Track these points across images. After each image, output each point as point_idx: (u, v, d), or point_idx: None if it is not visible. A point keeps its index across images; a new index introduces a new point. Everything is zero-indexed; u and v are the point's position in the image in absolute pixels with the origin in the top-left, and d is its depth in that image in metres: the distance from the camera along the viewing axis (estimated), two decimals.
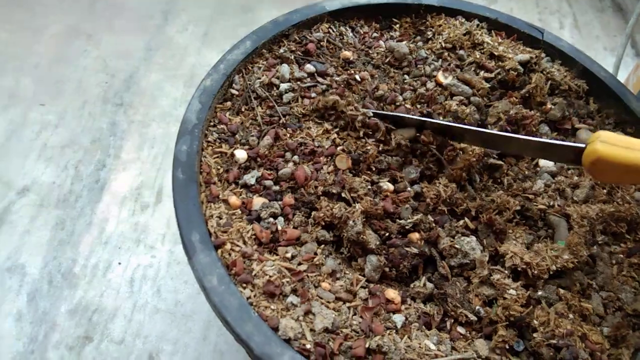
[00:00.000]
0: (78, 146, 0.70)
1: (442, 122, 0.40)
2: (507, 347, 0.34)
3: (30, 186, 0.65)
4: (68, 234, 0.62)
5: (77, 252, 0.61)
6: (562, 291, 0.36)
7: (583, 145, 0.32)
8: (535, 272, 0.35)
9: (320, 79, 0.44)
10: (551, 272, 0.36)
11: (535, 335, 0.34)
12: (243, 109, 0.42)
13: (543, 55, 0.48)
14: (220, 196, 0.37)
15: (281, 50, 0.45)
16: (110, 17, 0.86)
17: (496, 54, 0.47)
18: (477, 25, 0.49)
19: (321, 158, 0.40)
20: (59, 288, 0.58)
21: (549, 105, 0.45)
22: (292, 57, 0.45)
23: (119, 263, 0.61)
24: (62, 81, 0.77)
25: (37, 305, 0.57)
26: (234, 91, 0.42)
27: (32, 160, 0.68)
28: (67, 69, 0.78)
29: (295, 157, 0.40)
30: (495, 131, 0.39)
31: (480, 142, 0.40)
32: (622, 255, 0.39)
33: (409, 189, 0.39)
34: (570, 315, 0.35)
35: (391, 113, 0.42)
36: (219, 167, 0.38)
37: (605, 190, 0.41)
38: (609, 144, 0.30)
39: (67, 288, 0.58)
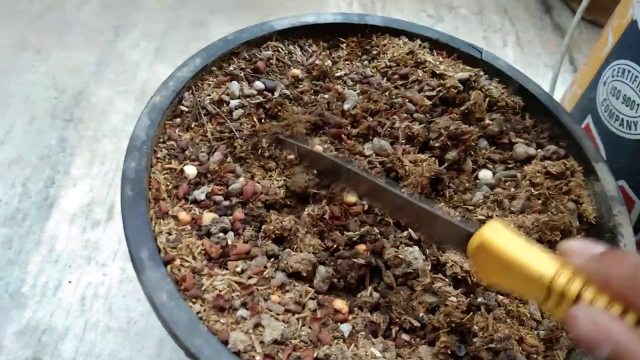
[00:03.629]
0: (26, 163, 0.68)
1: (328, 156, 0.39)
2: (450, 352, 0.35)
3: None
4: (16, 253, 0.61)
5: (26, 271, 0.60)
6: (500, 298, 0.38)
7: (473, 230, 0.30)
8: (475, 279, 0.37)
9: (269, 95, 0.45)
10: None
11: (475, 339, 0.36)
12: (193, 126, 0.42)
13: (482, 73, 0.50)
14: (170, 212, 0.37)
15: (231, 68, 0.46)
16: (59, 32, 0.85)
17: (437, 72, 0.49)
18: (420, 45, 0.51)
19: (273, 172, 0.41)
20: (5, 309, 0.57)
21: (487, 121, 0.48)
22: (242, 74, 0.46)
23: (70, 281, 0.60)
24: (9, 96, 0.75)
25: None
26: (183, 108, 0.43)
27: None
28: (14, 83, 0.77)
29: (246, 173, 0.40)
30: (400, 193, 0.36)
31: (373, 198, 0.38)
32: None
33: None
34: (508, 320, 0.37)
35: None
36: (168, 183, 0.39)
37: (540, 201, 0.44)
38: (497, 233, 0.28)
39: (15, 308, 0.57)
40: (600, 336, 0.24)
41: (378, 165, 0.43)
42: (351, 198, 0.41)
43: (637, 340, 0.23)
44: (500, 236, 0.28)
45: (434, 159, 0.44)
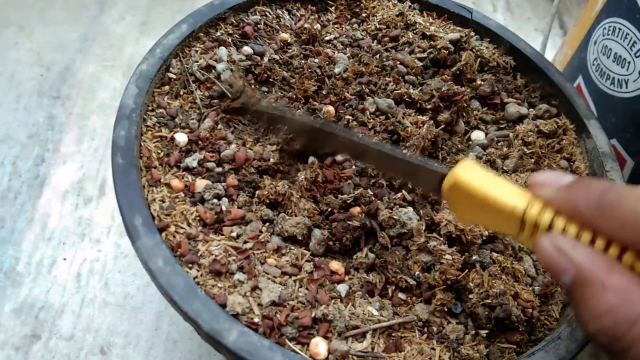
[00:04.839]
0: (14, 141, 0.68)
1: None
2: (446, 309, 0.36)
3: None
4: (8, 232, 0.60)
5: (20, 249, 0.59)
6: (495, 255, 0.38)
7: (445, 171, 0.30)
8: (469, 237, 0.37)
9: (258, 60, 0.44)
10: (484, 238, 0.38)
11: (471, 296, 0.36)
12: (182, 93, 0.42)
13: (472, 33, 0.50)
14: (162, 180, 0.37)
15: (218, 34, 0.45)
16: (41, 8, 0.83)
17: (428, 33, 0.48)
18: (409, 7, 0.51)
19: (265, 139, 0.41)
20: (1, 287, 0.56)
21: (478, 82, 0.47)
22: (230, 39, 0.45)
23: (64, 259, 0.59)
24: None
25: None
26: (171, 75, 0.42)
27: None
28: None
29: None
30: (370, 142, 0.36)
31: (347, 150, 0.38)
32: None
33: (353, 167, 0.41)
34: (503, 277, 0.37)
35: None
36: (159, 151, 0.38)
37: (532, 160, 0.44)
38: (469, 171, 0.29)
39: (11, 287, 0.57)
40: (562, 261, 0.24)
41: (379, 127, 0.43)
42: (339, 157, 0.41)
43: (601, 265, 0.23)
44: (472, 174, 0.28)
45: (432, 121, 0.44)
